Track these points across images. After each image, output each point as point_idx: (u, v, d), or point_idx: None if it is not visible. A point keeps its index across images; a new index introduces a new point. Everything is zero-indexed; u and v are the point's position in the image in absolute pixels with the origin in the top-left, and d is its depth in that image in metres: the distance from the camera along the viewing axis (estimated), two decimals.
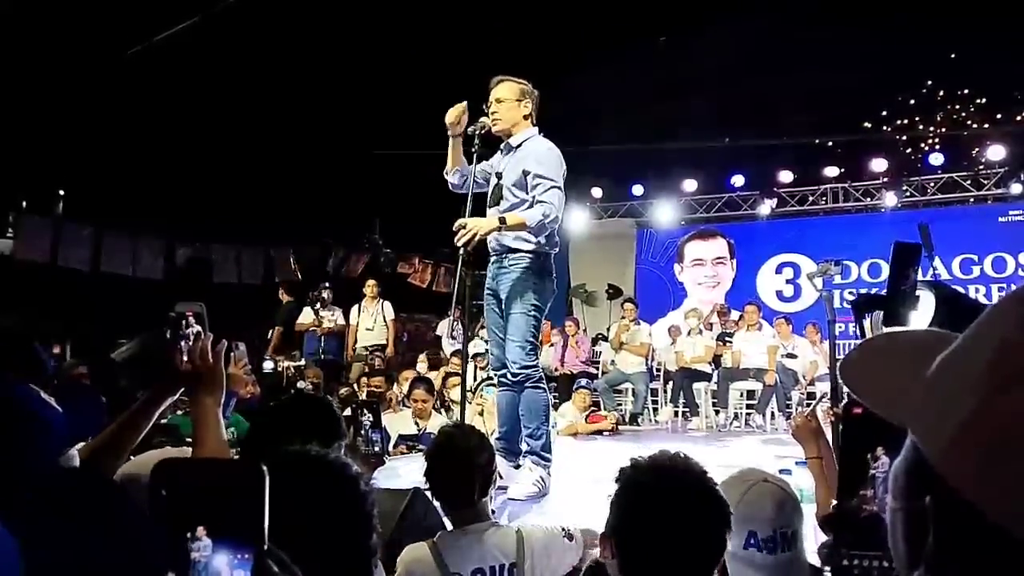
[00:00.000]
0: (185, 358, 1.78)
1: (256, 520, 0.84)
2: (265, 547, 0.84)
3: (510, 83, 4.03)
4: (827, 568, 1.69)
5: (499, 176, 4.02)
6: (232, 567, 0.83)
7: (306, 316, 9.63)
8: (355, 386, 7.64)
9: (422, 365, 8.98)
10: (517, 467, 3.98)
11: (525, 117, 4.03)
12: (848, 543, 1.09)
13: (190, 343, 1.78)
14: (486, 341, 5.64)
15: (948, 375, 0.54)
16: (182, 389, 1.81)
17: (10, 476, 1.31)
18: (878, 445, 1.05)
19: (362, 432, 2.28)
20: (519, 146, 4.00)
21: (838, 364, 0.67)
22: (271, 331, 10.19)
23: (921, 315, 2.19)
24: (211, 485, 0.86)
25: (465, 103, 3.97)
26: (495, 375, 4.25)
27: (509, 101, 3.99)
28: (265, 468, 0.86)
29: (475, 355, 7.49)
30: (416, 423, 6.00)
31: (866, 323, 2.38)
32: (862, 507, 1.08)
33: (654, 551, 1.41)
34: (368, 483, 1.27)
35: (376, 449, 2.28)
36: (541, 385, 3.99)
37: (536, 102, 4.07)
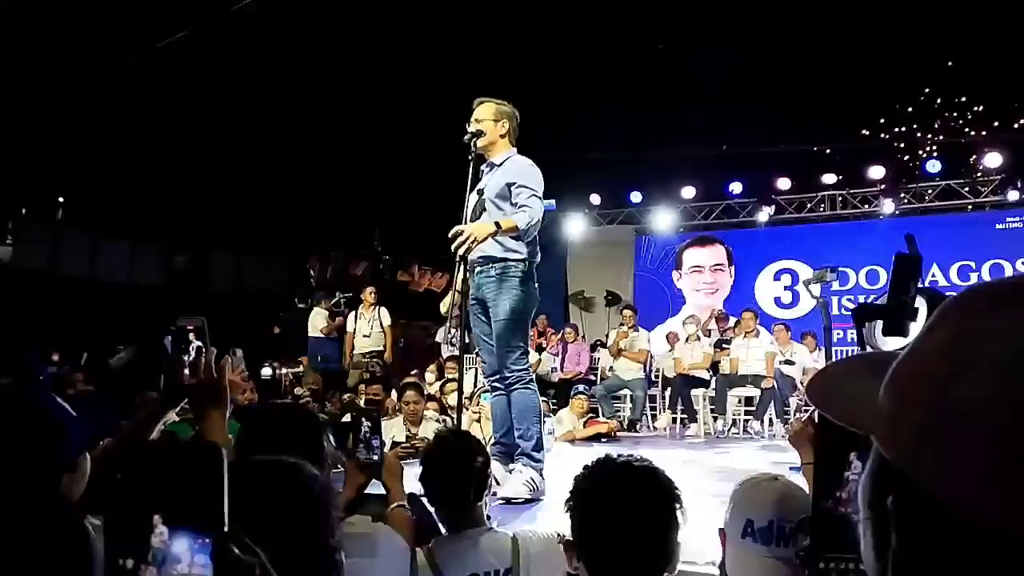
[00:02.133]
0: (188, 372, 1.79)
1: (215, 502, 0.82)
2: (225, 529, 0.83)
3: (488, 104, 4.19)
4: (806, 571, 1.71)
5: (480, 192, 4.15)
6: (192, 552, 0.82)
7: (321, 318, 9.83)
8: (354, 392, 7.65)
9: (431, 375, 8.95)
10: (512, 471, 4.01)
11: (502, 136, 4.19)
12: (824, 546, 1.10)
13: (192, 357, 1.80)
14: None
15: (902, 375, 0.56)
16: (184, 402, 1.83)
17: (29, 478, 1.32)
18: (852, 449, 1.07)
19: (362, 439, 2.28)
20: (500, 164, 4.15)
21: (804, 386, 0.67)
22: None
23: (917, 323, 2.20)
24: (167, 468, 0.85)
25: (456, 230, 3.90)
26: (488, 381, 4.34)
27: (487, 121, 4.15)
28: (223, 448, 0.86)
29: (478, 352, 7.50)
30: (408, 428, 5.98)
31: (866, 333, 2.40)
32: (837, 508, 1.09)
33: (616, 543, 1.50)
34: (324, 484, 1.28)
35: (375, 457, 2.28)
36: (531, 386, 4.08)
37: (515, 123, 4.23)
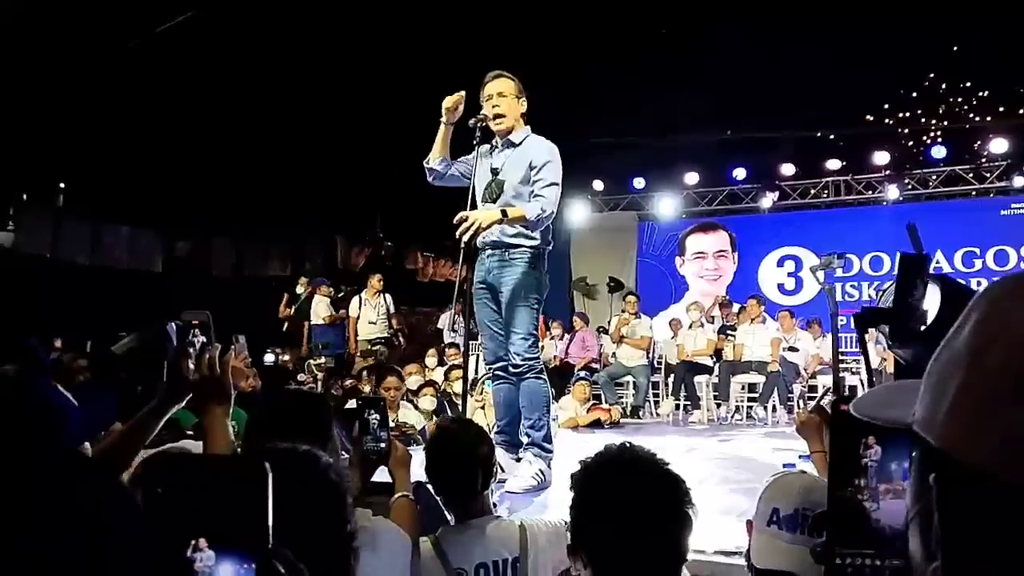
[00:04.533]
0: (192, 367, 1.77)
1: (260, 522, 0.78)
2: (270, 547, 0.80)
3: (507, 79, 4.02)
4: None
5: (495, 172, 4.00)
6: None
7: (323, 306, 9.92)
8: (358, 379, 7.63)
9: (431, 359, 8.95)
10: (518, 459, 3.97)
11: (522, 114, 4.05)
12: (840, 541, 1.07)
13: (196, 352, 1.78)
14: None
15: (941, 361, 0.59)
16: (188, 397, 1.82)
17: (25, 466, 1.30)
18: (869, 433, 1.04)
19: (370, 430, 2.26)
20: (520, 143, 4.00)
21: (852, 406, 0.74)
22: (286, 323, 10.35)
23: (929, 318, 2.16)
24: (210, 485, 0.80)
25: (463, 92, 3.94)
26: (489, 368, 4.24)
27: (511, 97, 3.99)
28: (268, 464, 0.82)
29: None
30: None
31: (869, 339, 2.34)
32: (856, 497, 1.07)
33: (623, 547, 1.42)
34: (339, 472, 1.27)
35: (382, 445, 2.26)
36: (542, 376, 4.00)
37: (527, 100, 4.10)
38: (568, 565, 2.30)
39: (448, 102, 3.92)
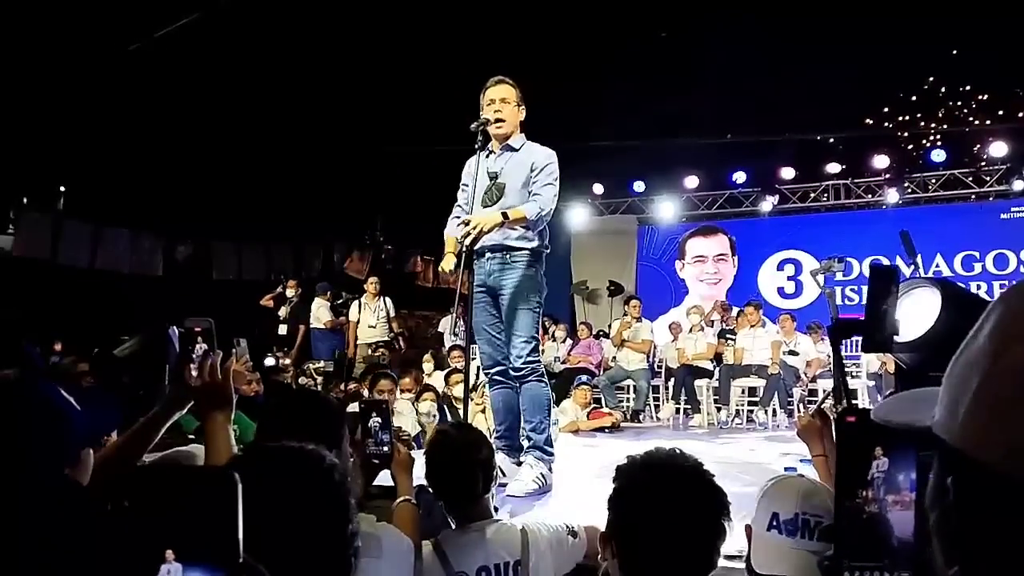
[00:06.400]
0: (195, 374, 1.78)
1: (229, 534, 0.77)
2: (240, 561, 0.78)
3: (510, 86, 4.06)
4: None
5: (493, 176, 4.03)
6: None
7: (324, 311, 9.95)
8: (359, 382, 7.63)
9: (428, 365, 8.93)
10: (519, 464, 3.97)
11: (520, 122, 4.09)
12: (849, 553, 1.07)
13: (199, 358, 1.79)
14: None
15: (959, 365, 0.60)
16: (191, 404, 1.83)
17: (29, 471, 1.30)
18: (876, 444, 1.04)
19: (372, 433, 2.27)
20: (520, 148, 4.05)
21: (872, 413, 0.76)
22: (280, 326, 10.31)
23: (925, 314, 2.17)
24: (179, 497, 0.79)
25: (451, 258, 4.05)
26: (487, 374, 4.20)
27: (513, 104, 4.03)
28: (237, 475, 0.80)
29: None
30: None
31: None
32: (864, 508, 1.07)
33: (655, 547, 1.44)
34: (344, 472, 1.27)
35: (384, 449, 2.26)
36: (543, 379, 4.01)
37: None
38: (568, 570, 2.32)
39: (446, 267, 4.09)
